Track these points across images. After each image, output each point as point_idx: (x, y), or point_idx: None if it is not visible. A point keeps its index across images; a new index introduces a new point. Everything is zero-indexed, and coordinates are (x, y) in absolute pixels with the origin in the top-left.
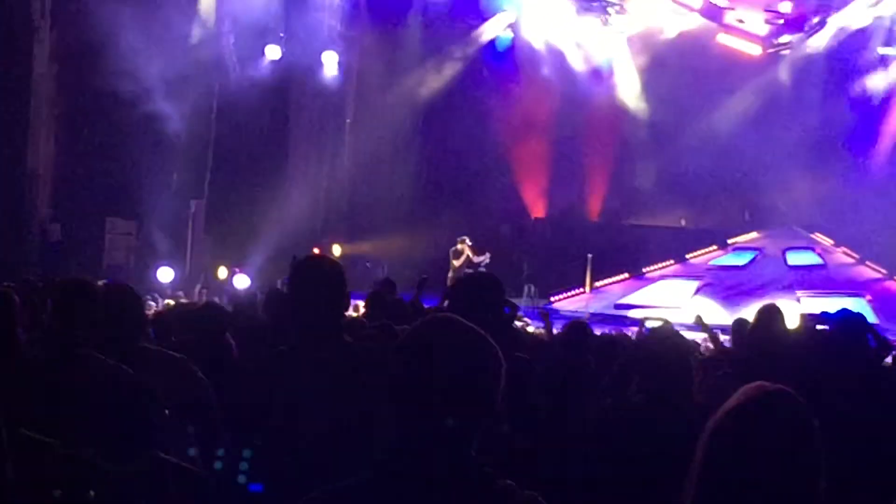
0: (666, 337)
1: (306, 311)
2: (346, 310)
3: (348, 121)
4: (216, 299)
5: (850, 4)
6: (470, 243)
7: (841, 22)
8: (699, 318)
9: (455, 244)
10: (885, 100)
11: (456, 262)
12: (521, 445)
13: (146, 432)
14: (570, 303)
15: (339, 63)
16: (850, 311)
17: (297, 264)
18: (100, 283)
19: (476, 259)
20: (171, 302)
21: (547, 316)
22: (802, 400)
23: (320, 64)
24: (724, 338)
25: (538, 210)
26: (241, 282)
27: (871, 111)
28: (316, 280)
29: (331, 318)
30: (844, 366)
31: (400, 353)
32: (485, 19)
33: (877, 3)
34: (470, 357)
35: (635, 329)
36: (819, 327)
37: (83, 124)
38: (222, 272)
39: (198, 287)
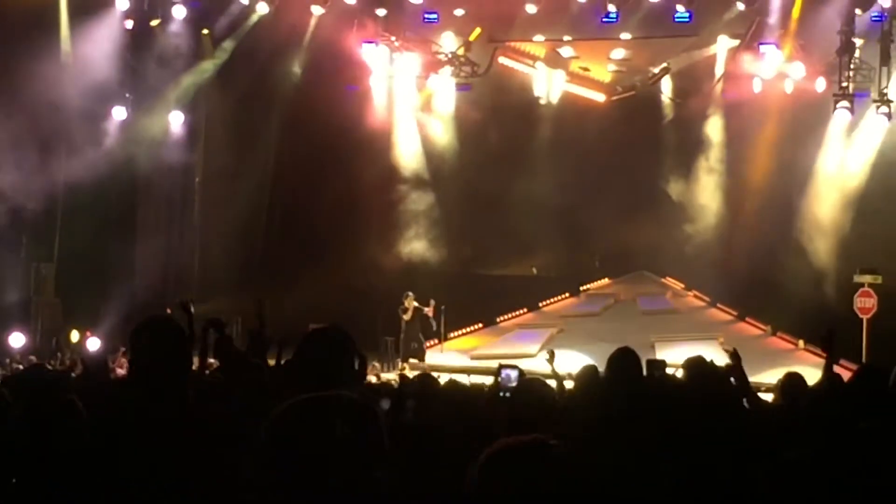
0: (530, 386)
1: (145, 375)
2: (187, 367)
3: (197, 179)
4: (68, 362)
5: (690, 51)
6: (412, 296)
7: (681, 67)
8: (552, 355)
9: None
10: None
11: (405, 317)
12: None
13: None
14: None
15: (186, 122)
16: (699, 358)
17: (132, 330)
18: None
19: (426, 310)
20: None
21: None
22: (553, 450)
23: (167, 123)
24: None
25: (389, 261)
26: (94, 345)
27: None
28: (152, 343)
29: (168, 379)
30: (698, 413)
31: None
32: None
33: (715, 48)
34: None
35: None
36: (669, 372)
37: None
38: (75, 335)
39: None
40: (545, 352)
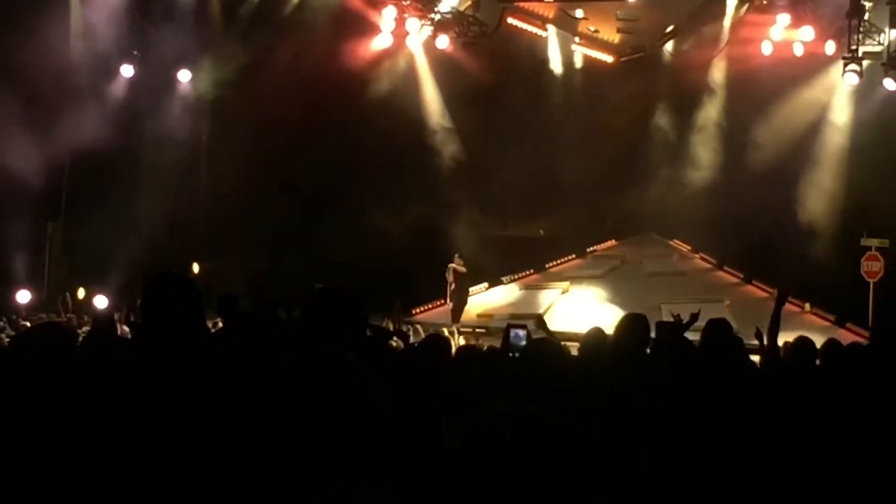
0: (540, 346)
1: (156, 331)
2: (201, 323)
3: (204, 138)
4: (74, 320)
5: (699, 12)
6: (455, 257)
7: (690, 29)
8: (542, 322)
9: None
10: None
11: (449, 277)
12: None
13: None
14: (432, 315)
15: (194, 79)
16: (714, 319)
17: (146, 286)
18: None
19: (449, 279)
20: (29, 324)
21: (407, 332)
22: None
23: (176, 81)
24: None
25: (397, 221)
26: (101, 303)
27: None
28: (166, 298)
29: (183, 335)
30: (709, 374)
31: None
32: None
33: (724, 10)
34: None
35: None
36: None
37: None
38: (81, 293)
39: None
40: (532, 323)
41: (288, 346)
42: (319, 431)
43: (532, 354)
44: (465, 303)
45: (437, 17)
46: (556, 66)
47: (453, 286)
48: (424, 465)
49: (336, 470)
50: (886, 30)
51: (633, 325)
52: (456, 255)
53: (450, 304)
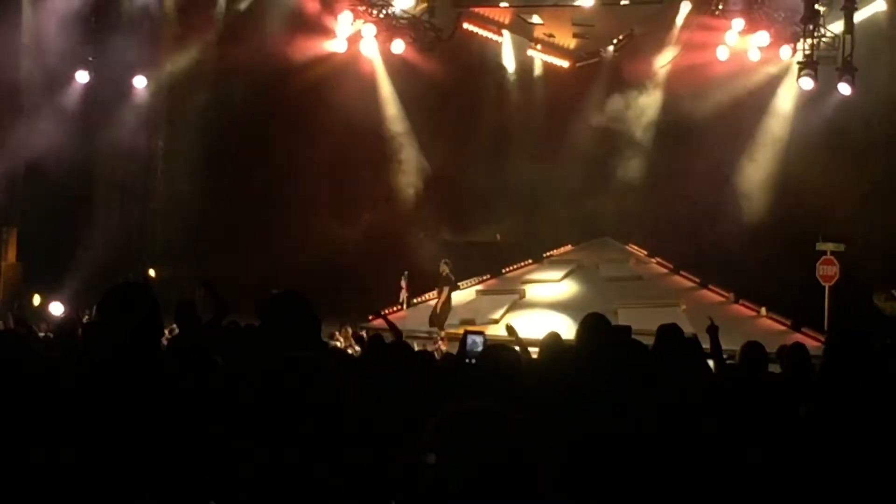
0: (497, 352)
1: (113, 339)
2: (159, 333)
3: (160, 143)
4: (34, 327)
5: (655, 18)
6: (441, 264)
7: (645, 34)
8: (510, 329)
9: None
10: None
11: (404, 283)
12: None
13: None
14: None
15: (150, 84)
16: (668, 325)
17: (105, 292)
18: None
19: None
20: None
21: (361, 339)
22: (508, 416)
23: (131, 86)
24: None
25: (353, 227)
26: (57, 309)
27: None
28: (123, 306)
29: (140, 343)
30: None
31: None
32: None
33: (679, 16)
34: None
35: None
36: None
37: None
38: (37, 300)
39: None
40: (506, 325)
41: (246, 352)
42: (302, 436)
43: (489, 360)
44: (449, 309)
45: (392, 21)
46: (511, 71)
47: (443, 293)
48: (391, 469)
49: (315, 474)
50: (840, 35)
51: (592, 325)
52: (443, 262)
53: (405, 311)
